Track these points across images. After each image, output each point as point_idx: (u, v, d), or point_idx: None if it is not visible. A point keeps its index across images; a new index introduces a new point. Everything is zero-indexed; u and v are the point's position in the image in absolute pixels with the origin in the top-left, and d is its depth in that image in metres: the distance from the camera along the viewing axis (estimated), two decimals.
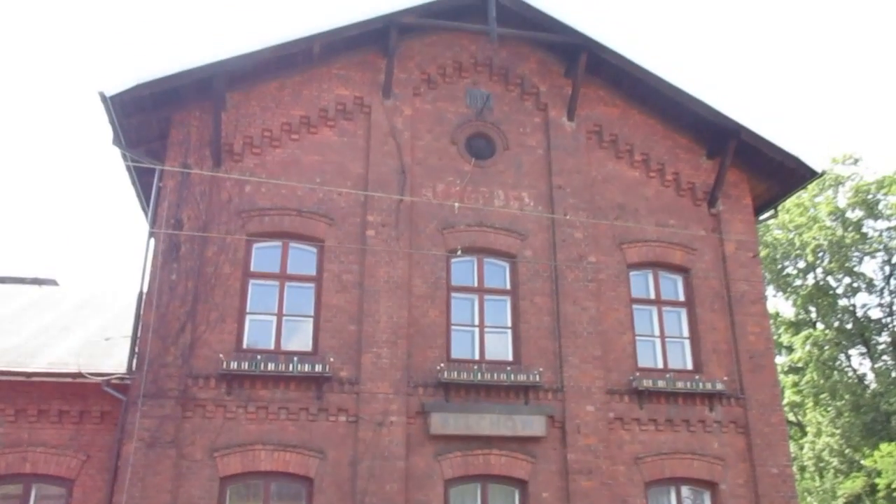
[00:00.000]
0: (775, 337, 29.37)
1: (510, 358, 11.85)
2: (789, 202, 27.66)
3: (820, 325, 29.23)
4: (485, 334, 11.95)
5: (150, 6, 54.92)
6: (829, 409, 28.20)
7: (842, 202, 28.76)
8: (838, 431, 27.44)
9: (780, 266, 29.79)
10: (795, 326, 29.93)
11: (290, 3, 61.27)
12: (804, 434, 30.54)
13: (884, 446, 23.48)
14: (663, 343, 12.62)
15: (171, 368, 10.47)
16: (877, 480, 24.16)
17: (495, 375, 11.31)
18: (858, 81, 54.08)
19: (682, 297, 12.98)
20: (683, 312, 12.89)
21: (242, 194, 11.70)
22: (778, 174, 13.54)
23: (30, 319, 13.46)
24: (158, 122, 11.87)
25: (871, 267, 29.74)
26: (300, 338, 11.36)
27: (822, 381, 28.05)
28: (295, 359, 10.82)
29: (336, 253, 11.67)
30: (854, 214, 28.39)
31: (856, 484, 25.96)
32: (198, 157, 11.67)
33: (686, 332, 12.78)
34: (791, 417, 30.92)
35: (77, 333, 12.61)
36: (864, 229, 28.26)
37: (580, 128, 13.27)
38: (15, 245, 44.83)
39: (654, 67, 12.86)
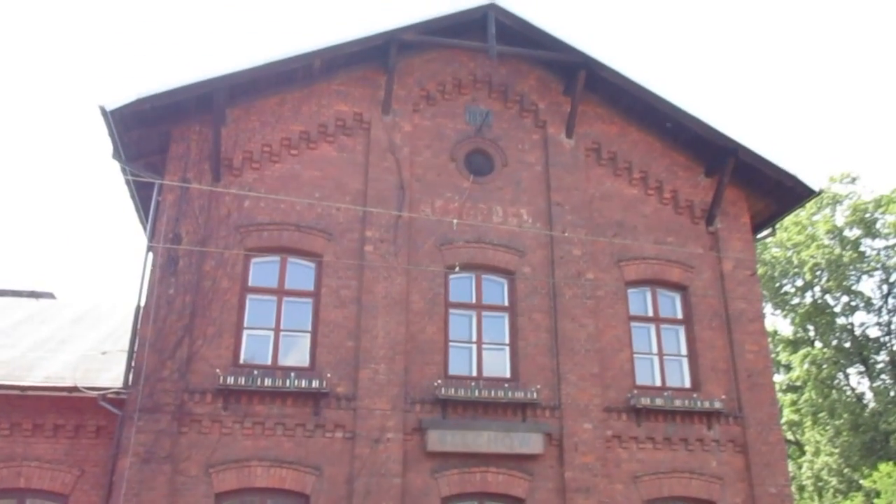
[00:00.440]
0: (773, 355, 29.33)
1: (508, 375, 11.82)
2: (787, 220, 27.74)
3: (818, 344, 29.21)
4: (483, 351, 11.92)
5: (152, 21, 55.24)
6: (827, 428, 28.12)
7: (840, 221, 28.85)
8: (837, 451, 27.34)
9: (778, 284, 29.82)
10: (794, 345, 29.91)
11: (290, 19, 61.66)
12: (803, 453, 30.44)
13: (883, 466, 23.38)
14: (661, 361, 12.59)
15: (168, 383, 10.43)
16: (875, 501, 24.03)
17: (493, 392, 11.27)
18: (857, 101, 54.38)
19: (680, 315, 12.96)
20: (681, 330, 12.88)
21: (241, 209, 11.71)
22: (776, 192, 13.59)
23: (27, 333, 13.42)
24: (158, 136, 11.90)
25: (869, 285, 29.78)
26: (297, 353, 11.33)
27: (820, 400, 28.01)
28: (292, 374, 10.78)
29: (334, 268, 11.67)
30: (852, 233, 28.48)
31: None
32: (197, 171, 11.69)
33: (684, 350, 12.75)
34: (790, 436, 30.83)
35: (74, 347, 12.57)
36: (862, 248, 28.33)
37: (579, 145, 13.32)
38: (13, 258, 44.79)
39: (653, 85, 12.96)
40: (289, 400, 10.73)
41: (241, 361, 11.05)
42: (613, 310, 12.48)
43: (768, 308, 29.92)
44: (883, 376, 28.21)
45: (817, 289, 28.98)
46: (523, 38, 12.89)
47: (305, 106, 12.48)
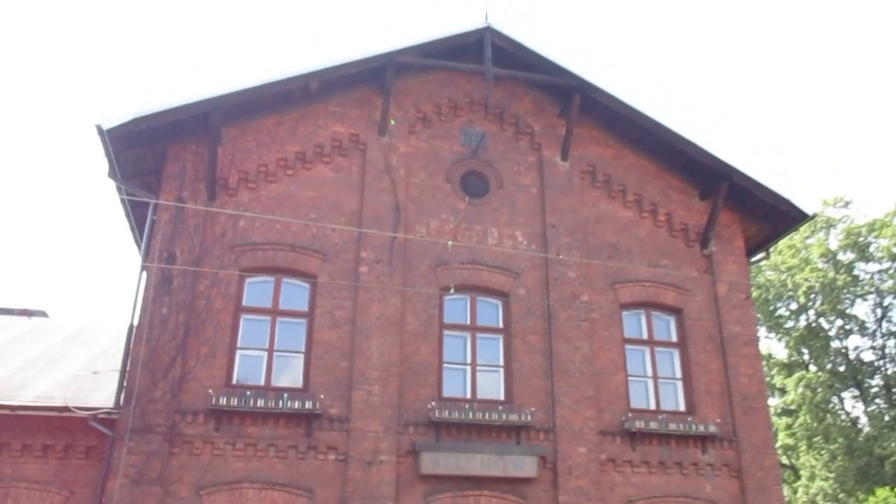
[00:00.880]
0: (768, 378, 29.26)
1: (502, 397, 11.77)
2: (781, 244, 27.84)
3: (813, 367, 29.16)
4: (477, 373, 11.87)
5: (149, 40, 55.53)
6: (822, 452, 28.00)
7: (833, 244, 28.94)
8: (832, 475, 27.20)
9: (772, 307, 29.84)
10: (788, 368, 29.85)
11: (288, 40, 62.05)
12: (798, 477, 30.27)
13: (880, 491, 23.26)
14: (656, 384, 12.56)
15: (160, 403, 10.35)
16: None
17: (487, 415, 11.20)
18: (850, 125, 54.82)
19: (674, 338, 12.96)
20: (676, 353, 12.86)
21: (236, 229, 11.70)
22: (770, 216, 13.65)
23: (18, 351, 13.33)
24: (154, 156, 11.92)
25: (863, 309, 29.81)
26: (291, 374, 11.27)
27: (815, 424, 27.90)
28: (285, 395, 10.71)
29: (329, 289, 11.64)
30: (846, 257, 28.56)
31: None
32: (192, 190, 11.69)
33: (678, 373, 12.72)
34: (784, 460, 30.67)
35: (66, 366, 12.48)
36: (856, 272, 28.40)
37: (574, 167, 13.37)
38: (6, 275, 44.60)
39: (648, 108, 13.05)
40: (281, 421, 10.65)
41: (234, 382, 10.98)
42: (608, 332, 12.46)
43: (763, 331, 29.91)
44: (877, 400, 28.15)
45: (811, 312, 29.01)
46: (519, 61, 12.99)
47: (302, 126, 12.52)
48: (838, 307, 27.99)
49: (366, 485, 10.50)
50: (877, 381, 28.46)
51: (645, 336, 12.88)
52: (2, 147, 49.28)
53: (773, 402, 30.21)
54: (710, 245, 13.49)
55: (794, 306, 29.47)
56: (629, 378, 12.36)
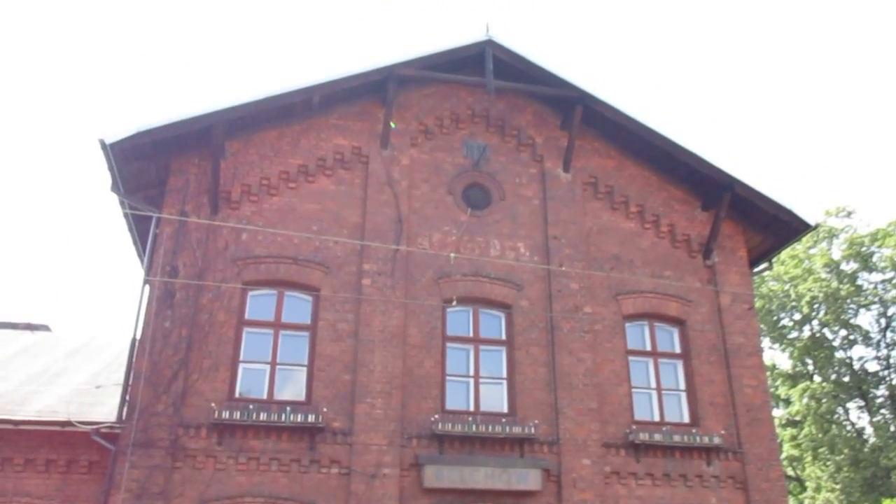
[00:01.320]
0: (772, 389, 29.16)
1: (505, 410, 11.72)
2: (784, 254, 27.78)
3: (817, 378, 29.04)
4: (480, 385, 11.84)
5: (152, 54, 55.84)
6: (828, 463, 27.84)
7: (836, 254, 28.88)
8: (838, 487, 27.03)
9: (775, 318, 29.75)
10: (793, 379, 29.74)
11: (290, 54, 62.36)
12: (804, 489, 30.08)
13: (886, 502, 23.12)
14: (660, 395, 12.51)
15: (162, 417, 10.33)
16: None
17: (490, 427, 11.16)
18: (852, 135, 54.88)
19: (678, 349, 12.92)
20: (679, 364, 12.81)
21: (239, 242, 11.71)
22: (772, 226, 13.63)
23: (21, 366, 13.33)
24: (157, 169, 11.95)
25: (867, 319, 29.71)
26: (293, 387, 11.25)
27: (820, 435, 27.76)
28: (288, 409, 10.69)
29: (331, 302, 11.63)
30: (849, 267, 28.49)
31: None
32: (195, 204, 11.71)
33: (682, 385, 12.68)
34: (790, 472, 30.50)
35: (68, 380, 12.47)
36: (859, 281, 28.32)
37: (576, 179, 13.38)
38: (9, 290, 44.65)
39: (650, 120, 13.07)
40: (284, 435, 10.63)
41: (237, 395, 10.96)
42: (611, 344, 12.43)
43: (766, 342, 29.79)
44: (883, 411, 28.02)
45: (815, 322, 28.92)
46: (520, 73, 13.03)
47: (304, 139, 12.56)
48: (842, 317, 27.91)
49: (369, 498, 10.45)
50: (882, 391, 28.33)
51: (648, 347, 12.84)
52: (5, 160, 49.49)
53: (778, 413, 30.07)
54: (713, 256, 13.47)
55: (797, 317, 29.38)
56: (633, 390, 12.32)
